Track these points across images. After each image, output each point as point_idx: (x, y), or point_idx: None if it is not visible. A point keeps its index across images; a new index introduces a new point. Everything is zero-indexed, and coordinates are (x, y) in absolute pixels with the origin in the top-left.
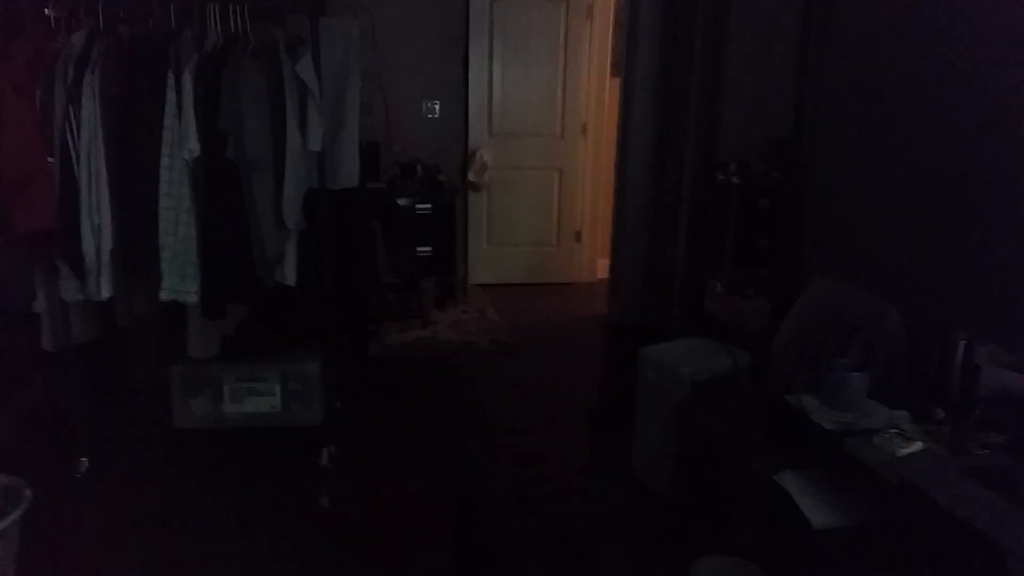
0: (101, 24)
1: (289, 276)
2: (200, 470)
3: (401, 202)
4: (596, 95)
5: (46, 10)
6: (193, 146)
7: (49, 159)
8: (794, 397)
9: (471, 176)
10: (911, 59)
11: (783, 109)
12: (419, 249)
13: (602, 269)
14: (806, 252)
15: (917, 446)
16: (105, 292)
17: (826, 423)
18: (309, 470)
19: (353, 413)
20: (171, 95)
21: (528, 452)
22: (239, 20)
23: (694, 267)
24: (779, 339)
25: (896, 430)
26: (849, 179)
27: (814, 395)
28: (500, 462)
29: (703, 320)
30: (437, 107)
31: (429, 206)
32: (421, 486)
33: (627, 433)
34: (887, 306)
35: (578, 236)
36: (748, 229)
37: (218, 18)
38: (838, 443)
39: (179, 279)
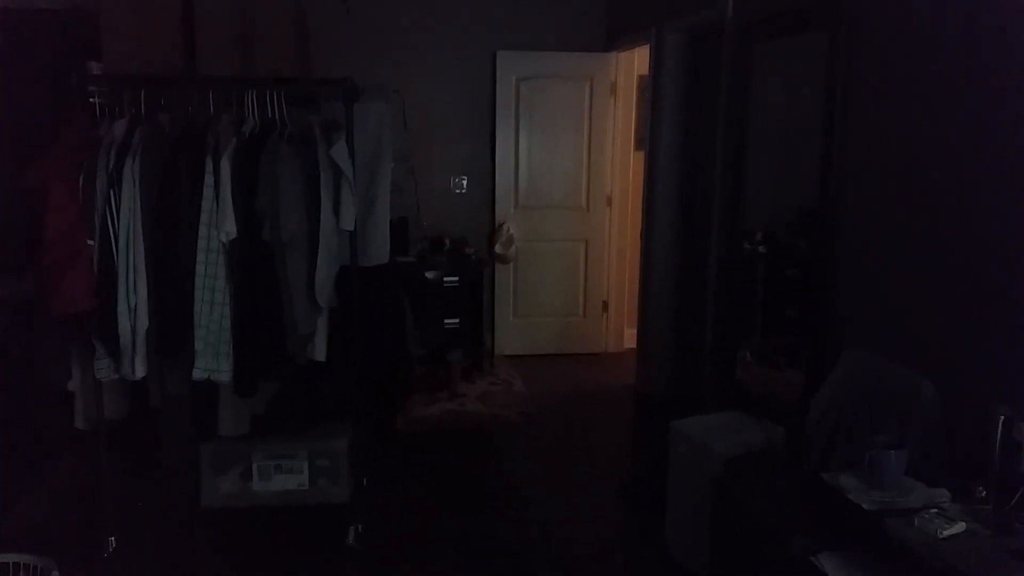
0: (143, 112)
1: (319, 352)
2: (227, 549)
3: (429, 275)
4: (620, 168)
5: (91, 99)
6: (230, 228)
7: (89, 242)
8: (831, 475)
9: (498, 249)
10: (943, 122)
11: (809, 177)
12: (447, 321)
13: (629, 339)
14: (836, 323)
15: (960, 527)
16: (140, 372)
17: (865, 503)
18: (335, 550)
19: (380, 490)
20: (209, 179)
21: (558, 527)
22: (276, 106)
23: (723, 337)
24: (813, 413)
25: (937, 510)
26: (879, 247)
27: (851, 473)
28: (529, 538)
29: (733, 391)
30: (465, 183)
31: (456, 279)
32: (448, 566)
33: (659, 508)
34: (921, 379)
35: (605, 306)
36: (776, 299)
37: (255, 104)
38: (877, 523)
39: (213, 358)
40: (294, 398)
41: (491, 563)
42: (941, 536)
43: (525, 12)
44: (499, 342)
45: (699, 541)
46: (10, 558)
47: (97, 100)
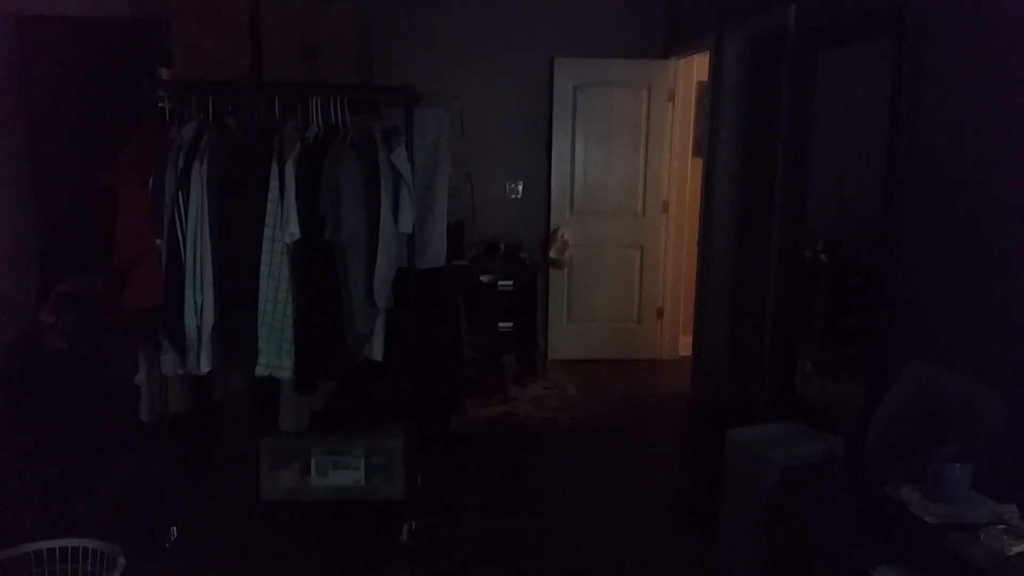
0: (210, 117)
1: (377, 352)
2: (284, 543)
3: (484, 279)
4: (677, 174)
5: (161, 104)
6: (294, 230)
7: (157, 241)
8: (892, 488)
9: (552, 253)
10: (1011, 130)
11: (872, 186)
12: (500, 325)
13: (684, 347)
14: (899, 333)
15: None
16: (204, 367)
17: (927, 516)
18: (389, 546)
19: (433, 489)
20: (274, 183)
21: (608, 535)
22: (339, 112)
23: (782, 346)
24: (875, 425)
25: (1004, 526)
26: (943, 257)
27: (914, 486)
28: (579, 545)
29: (791, 401)
30: (520, 187)
31: (511, 283)
32: (497, 568)
33: (712, 519)
34: (987, 391)
35: (660, 313)
36: (838, 308)
37: (319, 110)
38: (940, 538)
39: (275, 355)
40: (352, 396)
41: (540, 568)
42: (1009, 553)
43: (583, 19)
44: (552, 346)
45: (753, 554)
46: (80, 543)
47: (167, 105)
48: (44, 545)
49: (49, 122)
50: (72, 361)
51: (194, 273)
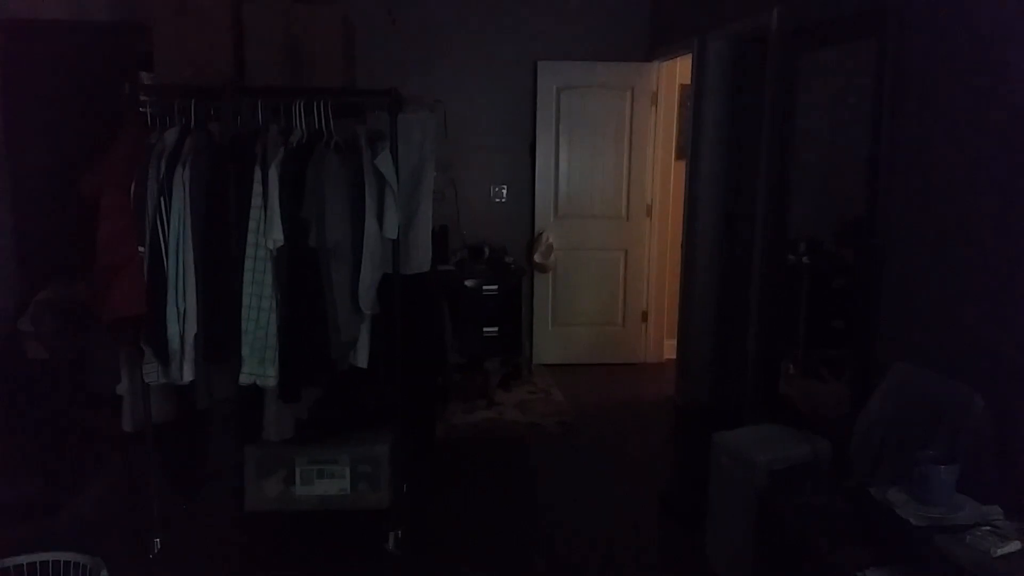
0: (193, 121)
1: (361, 359)
2: (269, 553)
3: (468, 283)
4: (661, 178)
5: (143, 109)
6: (277, 236)
7: (140, 248)
8: (879, 489)
9: (537, 257)
10: (993, 130)
11: (855, 187)
12: (485, 329)
13: (669, 350)
14: (883, 335)
15: (1014, 545)
16: (187, 376)
17: (913, 518)
18: (375, 555)
19: (419, 496)
20: (257, 188)
21: (597, 538)
22: (323, 117)
23: (765, 348)
24: (859, 427)
25: (989, 527)
26: (927, 258)
27: (900, 487)
28: (568, 548)
29: (776, 403)
30: (504, 191)
31: (496, 287)
32: (486, 574)
33: (700, 520)
34: (971, 392)
35: (644, 316)
36: (821, 310)
37: (303, 115)
38: (927, 540)
39: (259, 363)
40: (337, 404)
41: (529, 572)
42: (995, 555)
43: (566, 22)
44: (537, 351)
45: (741, 554)
46: (61, 556)
47: (149, 109)
48: (24, 559)
49: (30, 127)
50: (53, 370)
51: (176, 280)
